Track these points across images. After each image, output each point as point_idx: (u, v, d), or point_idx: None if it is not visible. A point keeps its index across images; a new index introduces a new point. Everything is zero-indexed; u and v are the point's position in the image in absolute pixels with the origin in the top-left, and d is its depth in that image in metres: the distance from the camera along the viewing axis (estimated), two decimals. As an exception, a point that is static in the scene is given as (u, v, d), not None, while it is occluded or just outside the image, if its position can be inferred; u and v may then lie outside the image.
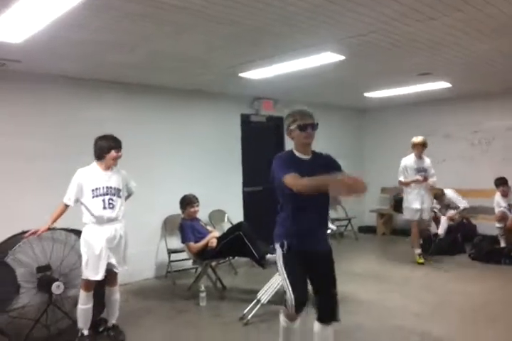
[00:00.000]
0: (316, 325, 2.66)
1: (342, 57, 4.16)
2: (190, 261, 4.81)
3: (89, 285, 3.28)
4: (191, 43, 3.71)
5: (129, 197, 3.63)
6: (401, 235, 7.36)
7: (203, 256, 4.43)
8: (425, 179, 5.50)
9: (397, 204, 7.01)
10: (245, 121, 6.61)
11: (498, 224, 5.93)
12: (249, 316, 3.76)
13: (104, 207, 3.29)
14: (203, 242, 4.42)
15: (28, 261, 3.41)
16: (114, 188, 3.37)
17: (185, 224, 4.56)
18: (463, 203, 6.58)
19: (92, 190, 3.29)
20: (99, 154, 3.35)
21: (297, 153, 2.66)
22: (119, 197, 3.40)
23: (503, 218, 5.90)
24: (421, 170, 5.57)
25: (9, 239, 3.47)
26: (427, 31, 3.48)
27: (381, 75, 5.31)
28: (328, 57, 4.15)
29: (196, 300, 4.30)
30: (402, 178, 5.65)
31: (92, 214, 3.27)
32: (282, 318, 2.68)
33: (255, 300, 3.88)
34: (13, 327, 3.34)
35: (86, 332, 3.34)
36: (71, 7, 2.67)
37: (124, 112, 5.21)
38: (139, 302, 4.47)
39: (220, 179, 6.14)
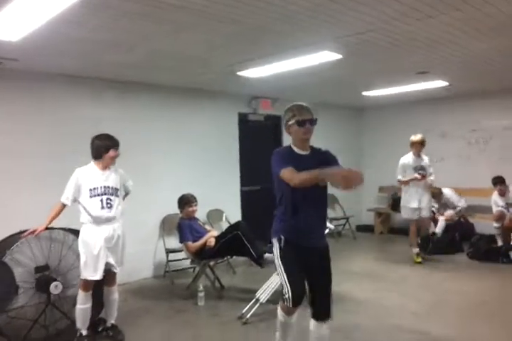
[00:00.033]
0: (312, 323, 2.66)
1: (340, 56, 4.16)
2: (189, 261, 4.79)
3: (87, 285, 3.27)
4: (191, 42, 3.70)
5: (126, 196, 3.62)
6: (399, 234, 7.38)
7: (201, 255, 4.42)
8: (423, 177, 5.50)
9: (395, 203, 7.04)
10: (243, 120, 6.60)
11: (495, 224, 5.95)
12: (248, 315, 3.76)
13: (102, 207, 3.28)
14: (201, 242, 4.41)
15: (26, 261, 3.40)
16: (112, 188, 3.36)
17: (184, 223, 4.55)
18: (461, 203, 6.60)
19: (90, 190, 3.27)
20: (97, 153, 3.34)
21: (296, 149, 2.66)
22: (117, 196, 3.39)
23: (501, 218, 5.91)
24: (419, 168, 5.56)
25: (7, 238, 3.45)
26: (425, 30, 3.48)
27: (379, 74, 5.31)
28: (326, 56, 4.14)
29: (194, 300, 4.29)
30: (400, 177, 5.64)
31: (90, 214, 3.26)
32: (280, 312, 2.67)
33: (254, 300, 3.88)
34: (12, 327, 3.33)
35: (85, 332, 3.33)
36: (69, 4, 2.65)
37: (121, 110, 5.19)
38: (138, 301, 4.47)
39: (218, 178, 6.14)
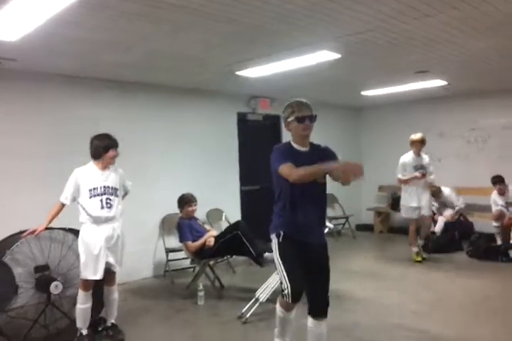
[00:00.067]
0: (310, 321, 2.66)
1: (338, 56, 4.17)
2: (188, 260, 4.80)
3: (87, 284, 3.27)
4: (189, 42, 3.70)
5: (125, 196, 3.62)
6: (398, 233, 7.39)
7: (201, 255, 4.42)
8: (423, 176, 5.49)
9: (395, 202, 7.05)
10: (242, 119, 6.61)
11: (495, 223, 5.96)
12: (248, 315, 3.75)
13: (102, 207, 3.28)
14: (200, 241, 4.42)
15: (26, 261, 3.40)
16: (112, 187, 3.36)
17: (183, 223, 4.55)
18: (460, 202, 6.61)
19: (90, 190, 3.28)
20: (96, 153, 3.34)
21: (295, 145, 2.66)
22: (117, 196, 3.39)
23: (500, 217, 5.92)
24: (420, 167, 5.54)
25: (7, 238, 3.45)
26: (423, 29, 3.49)
27: (378, 73, 5.32)
28: (324, 56, 4.15)
29: (194, 299, 4.29)
30: (400, 176, 5.62)
31: (90, 214, 3.26)
32: (279, 308, 2.66)
33: (253, 299, 3.88)
34: (12, 327, 3.33)
35: (85, 332, 3.34)
36: (66, 5, 2.66)
37: (119, 110, 5.19)
38: (138, 301, 4.47)
39: (218, 178, 6.14)
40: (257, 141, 6.79)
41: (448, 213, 6.58)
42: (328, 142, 2.78)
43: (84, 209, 3.28)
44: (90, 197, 3.27)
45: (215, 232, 4.60)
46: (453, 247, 6.19)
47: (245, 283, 4.92)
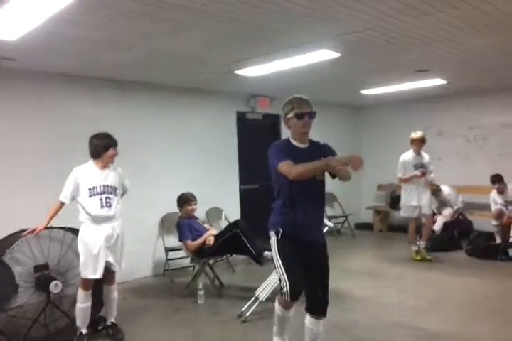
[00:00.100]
0: (308, 319, 2.66)
1: (338, 55, 4.17)
2: (188, 259, 4.80)
3: (87, 284, 3.27)
4: (189, 42, 3.70)
5: (123, 195, 3.62)
6: (398, 232, 7.39)
7: (201, 254, 4.43)
8: (423, 174, 5.48)
9: (394, 201, 7.06)
10: (241, 118, 6.61)
11: (494, 222, 5.97)
12: (248, 314, 3.76)
13: (102, 206, 3.28)
14: (200, 240, 4.42)
15: (25, 260, 3.40)
16: (111, 186, 3.36)
17: (183, 222, 4.56)
18: (459, 202, 6.61)
19: (89, 189, 3.28)
20: (96, 153, 3.34)
21: (294, 142, 2.65)
22: (116, 195, 3.40)
23: (499, 216, 5.93)
24: (420, 166, 5.53)
25: (6, 237, 3.46)
26: (422, 28, 3.49)
27: (377, 72, 5.32)
28: (324, 54, 4.15)
29: (194, 298, 4.30)
30: (400, 174, 5.61)
31: (89, 213, 3.26)
32: (277, 306, 2.65)
33: (253, 298, 3.89)
34: (12, 326, 3.34)
35: (84, 331, 3.34)
36: (66, 4, 2.66)
37: (118, 110, 5.19)
38: (137, 300, 4.48)
39: (217, 177, 6.14)
40: (257, 139, 6.79)
41: (447, 212, 6.59)
42: (328, 141, 2.79)
43: (83, 208, 3.28)
44: (90, 196, 3.27)
45: (214, 231, 4.61)
46: (452, 246, 6.20)
47: (245, 281, 4.92)
